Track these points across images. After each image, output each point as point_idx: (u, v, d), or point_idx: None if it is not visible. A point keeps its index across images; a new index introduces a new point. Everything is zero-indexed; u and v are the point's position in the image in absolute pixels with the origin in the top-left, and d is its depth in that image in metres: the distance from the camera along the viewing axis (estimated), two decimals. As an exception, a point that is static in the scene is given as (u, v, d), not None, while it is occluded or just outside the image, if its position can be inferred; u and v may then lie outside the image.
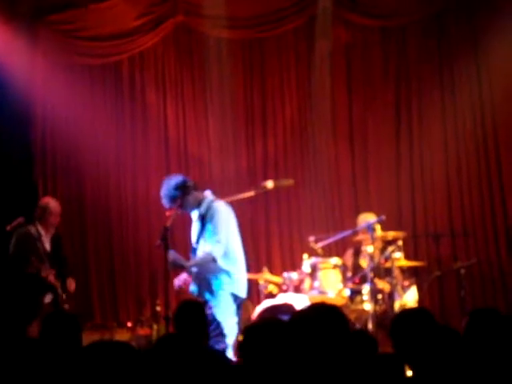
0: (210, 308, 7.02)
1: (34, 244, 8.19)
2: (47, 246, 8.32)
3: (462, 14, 10.24)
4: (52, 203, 8.43)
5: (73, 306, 8.27)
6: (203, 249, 7.22)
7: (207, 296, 7.18)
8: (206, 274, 7.18)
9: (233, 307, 7.15)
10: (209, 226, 7.18)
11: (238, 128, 10.63)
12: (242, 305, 7.42)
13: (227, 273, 7.17)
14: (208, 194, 7.36)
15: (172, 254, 7.10)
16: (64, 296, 8.19)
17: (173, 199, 7.17)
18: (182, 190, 7.16)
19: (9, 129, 10.01)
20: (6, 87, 9.77)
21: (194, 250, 7.34)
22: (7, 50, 9.78)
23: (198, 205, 7.24)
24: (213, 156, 10.61)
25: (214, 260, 7.11)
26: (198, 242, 7.32)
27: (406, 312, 4.80)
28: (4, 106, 9.87)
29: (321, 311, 3.67)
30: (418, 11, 10.16)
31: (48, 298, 8.10)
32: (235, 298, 7.19)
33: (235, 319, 7.12)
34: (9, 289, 8.11)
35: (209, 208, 7.20)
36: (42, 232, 8.30)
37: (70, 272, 8.44)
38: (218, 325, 6.96)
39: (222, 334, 6.92)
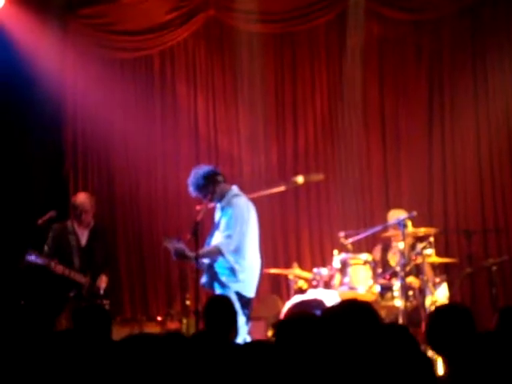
0: None
1: (66, 239, 8.24)
2: (83, 240, 8.35)
3: (497, 6, 10.11)
4: (79, 200, 8.42)
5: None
6: (215, 241, 7.21)
7: (217, 289, 7.14)
8: (216, 267, 7.17)
9: (237, 306, 7.04)
10: (224, 220, 7.15)
11: (268, 122, 10.59)
12: (249, 304, 7.25)
13: (232, 270, 7.11)
14: (234, 188, 7.32)
15: (175, 243, 7.09)
16: (102, 291, 8.23)
17: (199, 188, 7.15)
18: (210, 180, 7.13)
19: (40, 123, 10.06)
20: (37, 81, 9.81)
21: (209, 242, 7.32)
22: (38, 43, 9.83)
23: (222, 197, 7.22)
24: (243, 150, 10.59)
25: (221, 254, 7.07)
26: (212, 234, 7.30)
27: (444, 308, 4.74)
28: (35, 100, 9.91)
29: (352, 308, 3.64)
30: (451, 4, 10.06)
31: (73, 292, 8.12)
32: (240, 296, 7.07)
33: (242, 319, 6.94)
34: (37, 285, 8.21)
35: (229, 202, 7.17)
36: (76, 226, 8.33)
37: (104, 268, 8.40)
38: None
39: None
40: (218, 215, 7.34)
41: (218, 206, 7.31)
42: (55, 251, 8.15)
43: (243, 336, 6.86)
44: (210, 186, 7.13)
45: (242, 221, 7.10)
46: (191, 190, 7.23)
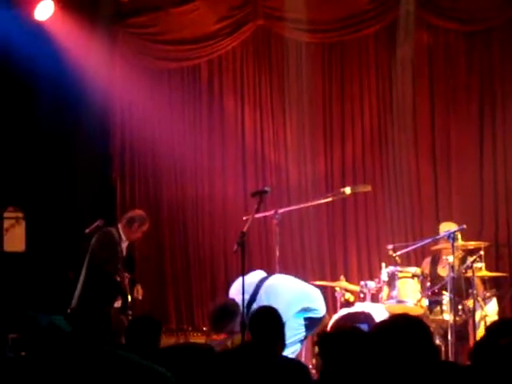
0: None
1: (115, 246, 8.21)
2: (124, 251, 8.35)
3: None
4: (145, 217, 8.43)
5: (146, 311, 8.29)
6: None
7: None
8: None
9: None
10: None
11: (315, 133, 10.50)
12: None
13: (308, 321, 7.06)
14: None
15: None
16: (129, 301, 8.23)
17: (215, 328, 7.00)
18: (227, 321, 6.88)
19: (88, 132, 10.11)
20: (85, 90, 9.86)
21: None
22: (87, 52, 9.88)
23: None
24: (290, 161, 10.51)
25: None
26: None
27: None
28: (83, 109, 9.97)
29: (404, 323, 3.55)
30: (503, 14, 9.90)
31: (118, 303, 8.12)
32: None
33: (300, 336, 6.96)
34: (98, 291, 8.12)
35: None
36: (123, 237, 8.31)
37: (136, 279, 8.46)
38: None
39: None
40: None
41: None
42: (113, 259, 8.11)
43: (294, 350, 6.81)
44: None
45: None
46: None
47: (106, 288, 8.01)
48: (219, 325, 6.77)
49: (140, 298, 8.28)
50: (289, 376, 4.48)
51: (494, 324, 4.28)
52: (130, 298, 8.18)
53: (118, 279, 8.12)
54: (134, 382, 2.73)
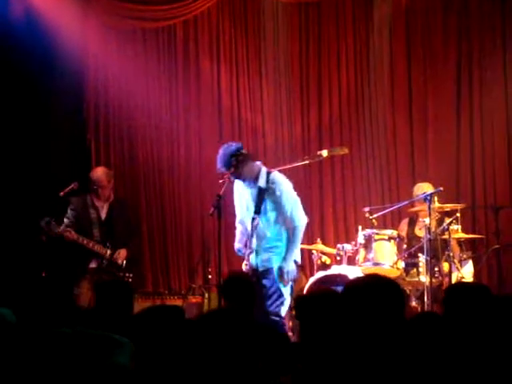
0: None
1: (86, 212, 8.24)
2: (103, 214, 8.33)
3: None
4: (96, 175, 8.41)
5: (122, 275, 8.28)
6: (269, 223, 7.04)
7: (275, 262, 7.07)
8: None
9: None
10: (275, 200, 6.98)
11: (292, 95, 10.48)
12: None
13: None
14: (261, 165, 7.15)
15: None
16: (123, 264, 8.22)
17: (227, 165, 7.00)
18: (238, 157, 6.98)
19: (61, 94, 9.97)
20: (59, 52, 9.70)
21: (242, 221, 7.17)
22: (60, 13, 9.70)
23: (256, 178, 7.02)
24: (266, 123, 10.47)
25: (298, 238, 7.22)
26: (258, 213, 7.09)
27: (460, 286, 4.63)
28: (56, 71, 9.82)
29: (374, 283, 3.54)
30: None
31: (93, 263, 8.15)
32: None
33: (288, 290, 6.96)
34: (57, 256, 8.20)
35: (272, 181, 6.99)
36: (95, 200, 8.33)
37: (126, 242, 8.39)
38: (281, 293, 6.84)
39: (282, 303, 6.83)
40: (246, 194, 7.15)
41: (246, 184, 7.11)
42: (75, 224, 8.14)
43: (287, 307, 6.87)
44: (238, 164, 6.97)
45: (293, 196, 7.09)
46: (219, 166, 7.07)
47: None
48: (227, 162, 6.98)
49: (119, 261, 8.24)
50: (265, 339, 4.45)
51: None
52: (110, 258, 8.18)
53: (85, 242, 8.09)
54: (88, 355, 2.70)
